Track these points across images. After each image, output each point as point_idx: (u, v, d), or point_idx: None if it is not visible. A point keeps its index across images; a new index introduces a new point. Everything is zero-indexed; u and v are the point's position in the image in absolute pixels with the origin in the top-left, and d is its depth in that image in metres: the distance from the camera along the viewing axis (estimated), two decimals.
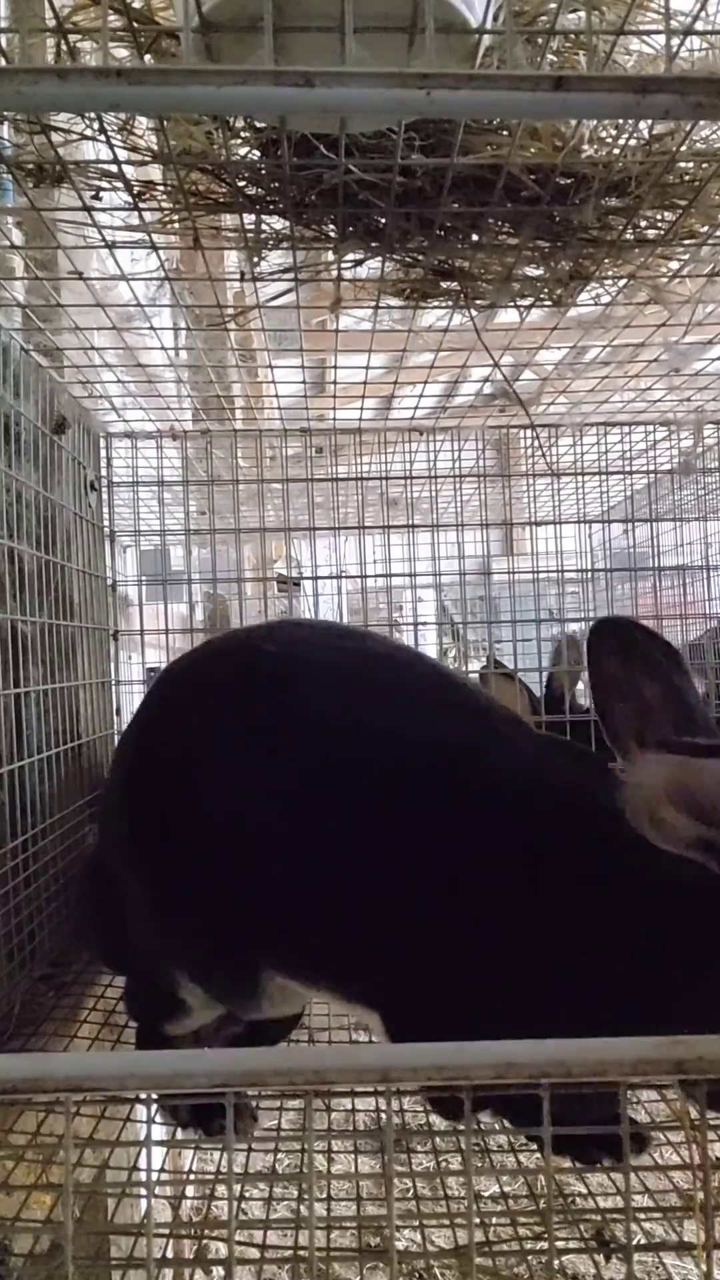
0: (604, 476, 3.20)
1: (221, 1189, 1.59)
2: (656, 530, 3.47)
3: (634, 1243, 0.90)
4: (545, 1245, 0.89)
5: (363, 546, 3.39)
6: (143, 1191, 1.52)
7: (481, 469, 3.24)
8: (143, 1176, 1.42)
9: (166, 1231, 1.24)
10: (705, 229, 1.61)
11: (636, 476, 3.32)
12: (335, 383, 2.48)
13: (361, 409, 3.04)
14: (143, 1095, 0.96)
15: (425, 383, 2.56)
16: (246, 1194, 1.75)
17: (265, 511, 3.64)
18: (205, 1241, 1.19)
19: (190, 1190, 1.97)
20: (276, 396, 2.87)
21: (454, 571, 3.44)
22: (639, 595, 4.39)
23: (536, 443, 3.03)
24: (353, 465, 3.24)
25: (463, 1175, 0.90)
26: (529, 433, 3.06)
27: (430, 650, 6.05)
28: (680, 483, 3.13)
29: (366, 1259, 1.08)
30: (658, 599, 3.46)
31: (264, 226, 1.60)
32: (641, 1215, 0.96)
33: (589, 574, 4.09)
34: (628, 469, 3.11)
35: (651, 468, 3.13)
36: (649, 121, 1.38)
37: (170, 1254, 1.15)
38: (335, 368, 2.36)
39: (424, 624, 5.39)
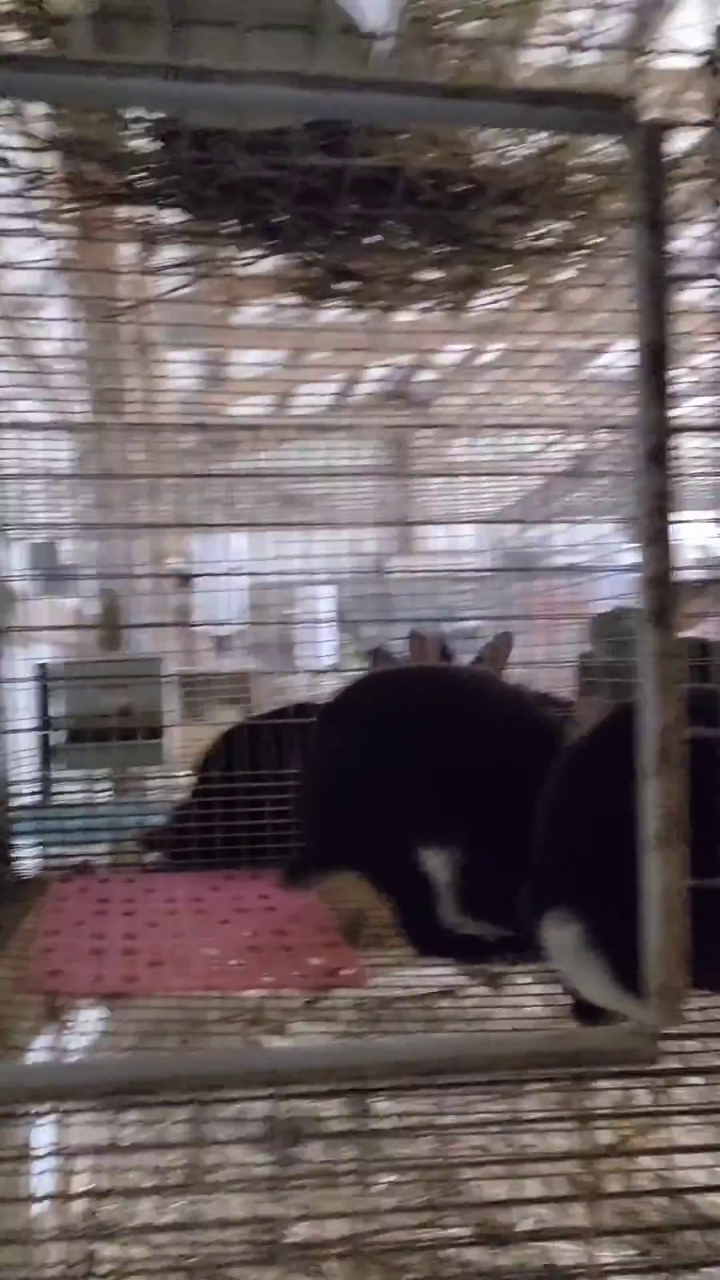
0: (500, 477, 3.26)
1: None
2: (549, 530, 3.55)
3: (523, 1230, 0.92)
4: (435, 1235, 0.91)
5: (256, 543, 3.38)
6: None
7: (378, 468, 3.26)
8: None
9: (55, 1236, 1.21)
10: (599, 240, 1.65)
11: (531, 478, 3.39)
12: (230, 379, 2.46)
13: (261, 405, 3.04)
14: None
15: (321, 380, 2.57)
16: (137, 1199, 1.71)
17: (160, 506, 3.60)
18: (95, 1248, 1.17)
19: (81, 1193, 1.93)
20: (173, 390, 2.83)
21: (348, 571, 3.46)
22: (534, 595, 4.48)
23: (431, 442, 3.07)
24: (250, 460, 3.23)
25: (355, 1174, 0.91)
26: (425, 432, 3.09)
27: (327, 648, 6.06)
28: (573, 485, 3.20)
29: (257, 1262, 1.08)
30: (567, 597, 3.52)
31: (160, 220, 1.58)
32: (533, 1204, 0.99)
33: (484, 573, 4.16)
34: (522, 470, 3.17)
35: (545, 470, 3.19)
36: (546, 132, 1.41)
37: (58, 1261, 1.13)
38: (234, 364, 2.35)
39: (316, 623, 5.40)
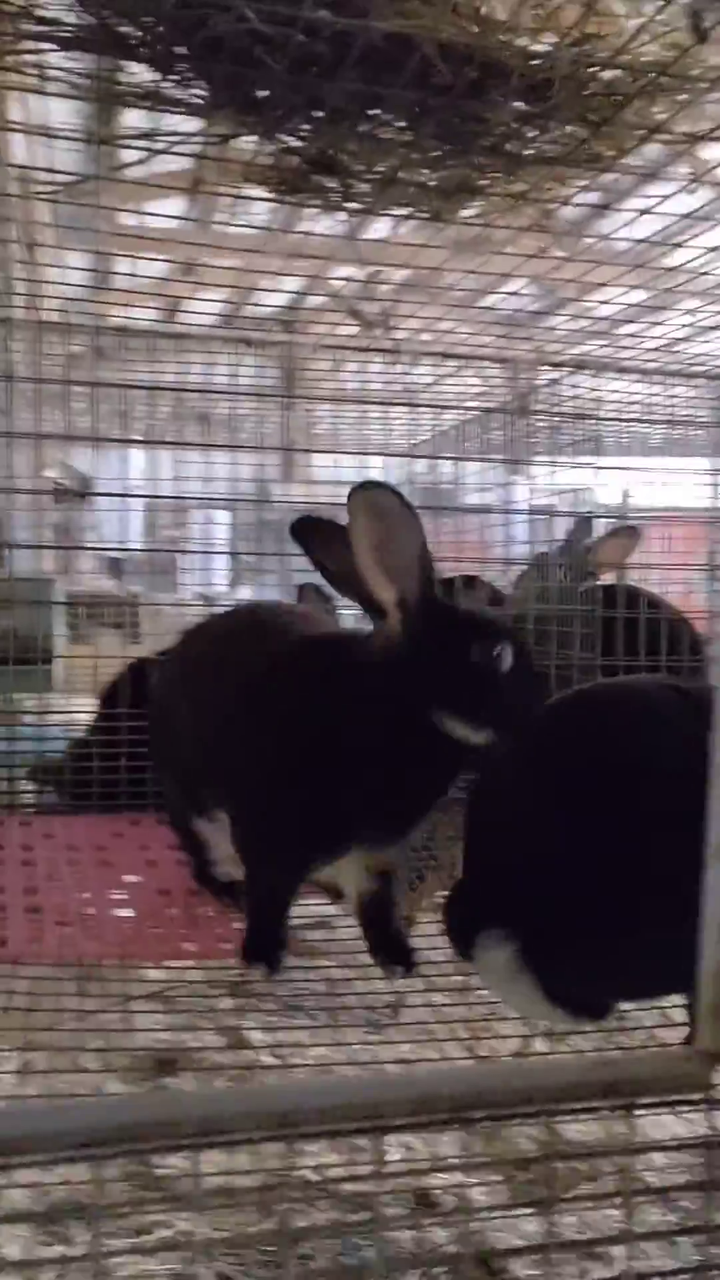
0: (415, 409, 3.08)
1: None
2: (460, 468, 3.40)
3: None
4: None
5: (155, 461, 3.14)
6: None
7: (275, 389, 3.05)
8: None
9: None
10: (611, 154, 1.48)
11: (455, 411, 3.24)
12: (197, 280, 2.20)
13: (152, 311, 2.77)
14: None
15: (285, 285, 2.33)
16: None
17: (44, 414, 3.30)
18: None
19: None
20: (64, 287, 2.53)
21: (242, 495, 3.23)
22: (441, 534, 4.36)
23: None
24: (156, 371, 2.96)
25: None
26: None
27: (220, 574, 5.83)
28: (512, 421, 3.05)
29: None
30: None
31: (122, 75, 1.32)
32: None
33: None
34: (464, 404, 3.00)
35: (480, 405, 3.04)
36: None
37: None
38: (195, 263, 2.09)
39: (202, 550, 5.15)
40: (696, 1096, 0.86)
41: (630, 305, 2.42)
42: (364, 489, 1.41)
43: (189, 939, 1.91)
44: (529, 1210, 1.01)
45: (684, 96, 1.31)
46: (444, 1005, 1.61)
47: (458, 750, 1.48)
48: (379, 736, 1.49)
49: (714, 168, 1.54)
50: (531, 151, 1.48)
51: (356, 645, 1.58)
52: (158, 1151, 0.76)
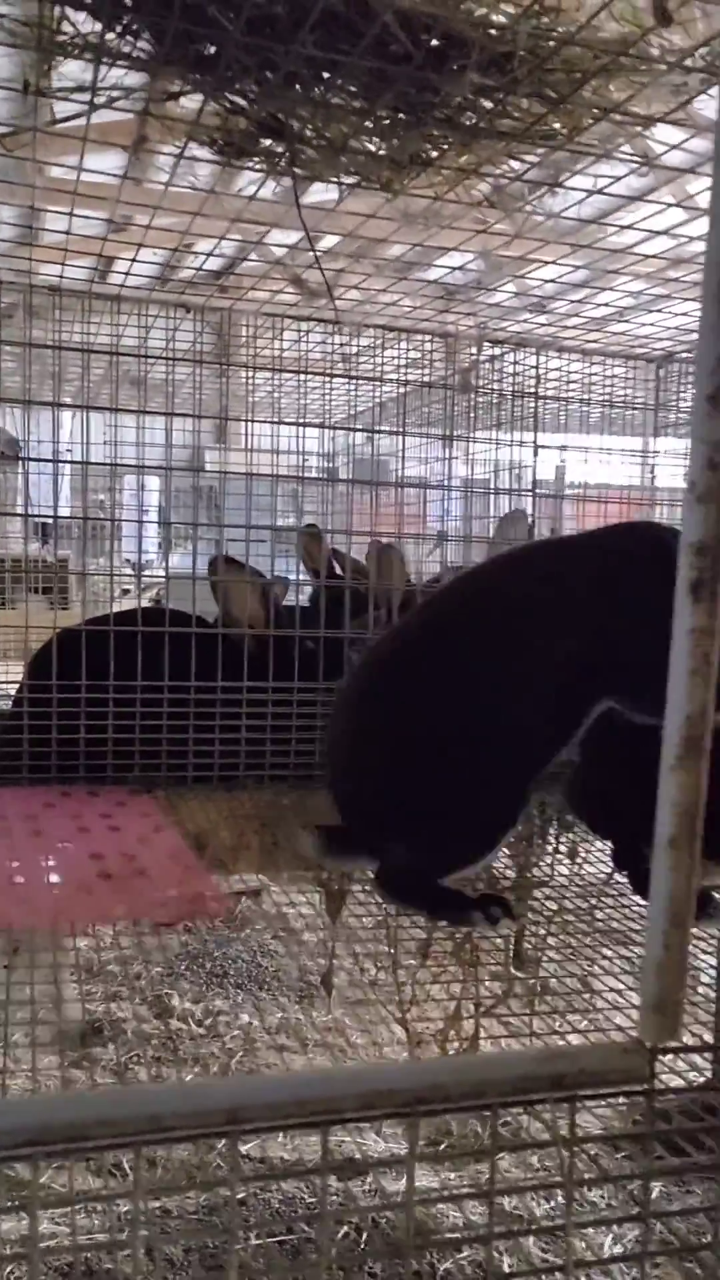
0: (379, 382, 3.05)
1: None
2: (400, 444, 3.38)
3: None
4: None
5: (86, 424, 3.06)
6: None
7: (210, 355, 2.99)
8: None
9: None
10: (565, 131, 1.46)
11: (392, 385, 3.20)
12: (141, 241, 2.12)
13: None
14: None
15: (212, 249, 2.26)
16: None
17: None
18: None
19: None
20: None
21: (176, 462, 3.17)
22: (379, 506, 4.34)
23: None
24: (90, 333, 2.88)
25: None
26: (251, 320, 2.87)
27: (151, 542, 5.75)
28: (453, 397, 3.03)
29: None
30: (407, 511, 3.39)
31: (65, 24, 1.26)
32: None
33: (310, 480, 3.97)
34: (403, 377, 2.97)
35: (422, 379, 3.01)
36: None
37: None
38: (139, 223, 2.02)
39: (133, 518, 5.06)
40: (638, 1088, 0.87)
41: (573, 285, 2.42)
42: None
43: (120, 901, 1.88)
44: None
45: (641, 77, 1.30)
46: (374, 982, 1.62)
47: None
48: None
49: (668, 150, 1.53)
50: (485, 125, 1.45)
51: None
52: (101, 1150, 0.74)
